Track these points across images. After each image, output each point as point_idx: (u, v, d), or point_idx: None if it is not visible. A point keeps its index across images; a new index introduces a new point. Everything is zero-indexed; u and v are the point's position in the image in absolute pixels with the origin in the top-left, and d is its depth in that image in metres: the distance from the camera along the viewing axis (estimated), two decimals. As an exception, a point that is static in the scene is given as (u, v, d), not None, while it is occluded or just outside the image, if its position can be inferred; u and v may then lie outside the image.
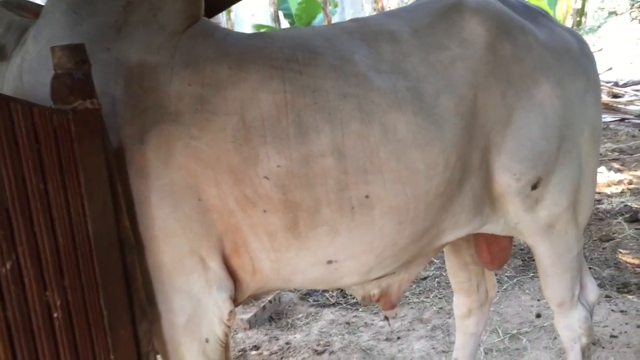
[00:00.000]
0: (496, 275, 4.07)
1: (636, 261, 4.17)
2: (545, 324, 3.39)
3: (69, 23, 1.69)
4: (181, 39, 1.73)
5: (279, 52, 1.76)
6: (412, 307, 3.89)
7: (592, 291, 2.34)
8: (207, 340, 1.79)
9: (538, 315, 3.49)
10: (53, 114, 1.34)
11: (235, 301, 1.87)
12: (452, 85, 1.84)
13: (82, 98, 1.41)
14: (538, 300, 3.69)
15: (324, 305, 4.08)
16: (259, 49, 1.77)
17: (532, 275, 4.06)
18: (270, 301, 4.01)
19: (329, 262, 1.84)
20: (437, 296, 4.01)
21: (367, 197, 1.75)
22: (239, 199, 1.70)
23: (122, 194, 1.58)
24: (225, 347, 1.90)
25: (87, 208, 1.44)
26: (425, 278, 4.35)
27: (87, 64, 1.45)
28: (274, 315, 3.97)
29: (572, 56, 2.09)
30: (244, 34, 1.93)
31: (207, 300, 1.76)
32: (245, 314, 3.82)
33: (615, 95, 11.26)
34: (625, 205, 5.20)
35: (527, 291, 3.85)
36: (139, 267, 1.66)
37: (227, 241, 1.77)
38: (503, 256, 2.41)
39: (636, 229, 4.69)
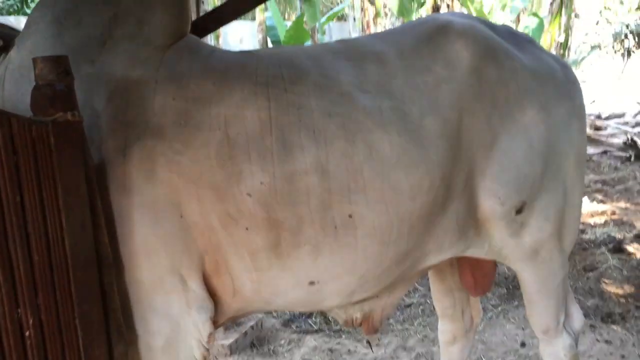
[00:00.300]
0: (481, 303, 4.05)
1: (620, 291, 4.16)
2: (530, 353, 3.35)
3: (53, 34, 1.67)
4: (166, 54, 1.71)
5: (264, 69, 1.75)
6: (395, 335, 3.84)
7: (577, 319, 2.32)
8: (185, 363, 1.74)
9: (523, 344, 3.46)
10: (32, 124, 1.31)
11: (215, 323, 1.82)
12: (437, 108, 1.85)
13: (63, 110, 1.38)
14: (523, 329, 3.66)
15: (306, 332, 4.00)
16: (245, 66, 1.76)
17: (517, 304, 4.03)
18: (252, 327, 3.94)
19: (311, 283, 1.80)
20: (421, 324, 3.96)
21: (350, 216, 1.73)
22: (221, 217, 1.67)
23: (102, 209, 1.54)
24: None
25: (64, 223, 1.40)
26: (409, 305, 4.30)
27: (70, 75, 1.42)
28: (256, 341, 3.89)
29: (556, 82, 2.10)
30: (230, 51, 1.92)
31: (186, 321, 1.71)
32: (226, 339, 3.74)
33: (598, 128, 11.41)
34: (609, 236, 5.21)
35: (512, 320, 3.82)
36: (116, 285, 1.62)
37: (208, 260, 1.73)
38: (486, 282, 2.39)
39: (620, 258, 4.70)
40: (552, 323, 2.21)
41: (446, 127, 1.84)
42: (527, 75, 2.02)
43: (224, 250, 1.72)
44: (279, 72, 1.75)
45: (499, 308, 4.01)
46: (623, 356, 3.20)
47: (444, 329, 2.61)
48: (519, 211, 2.01)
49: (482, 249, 2.08)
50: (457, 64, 1.90)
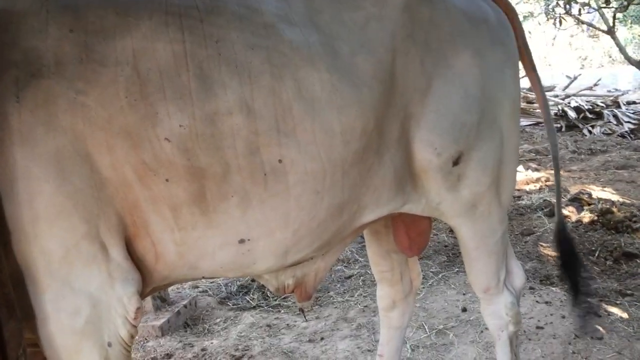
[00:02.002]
0: (421, 271, 3.98)
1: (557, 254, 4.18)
2: (471, 318, 3.30)
3: None
4: None
5: None
6: (336, 307, 3.72)
7: (518, 276, 2.24)
8: (109, 345, 1.51)
9: (464, 310, 3.40)
10: None
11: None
12: (368, 46, 1.70)
13: None
14: (464, 294, 3.61)
15: (243, 309, 3.84)
16: None
17: (457, 270, 3.98)
18: (185, 306, 3.74)
19: (241, 241, 1.62)
20: (362, 294, 3.86)
21: (280, 161, 1.57)
22: (137, 167, 1.46)
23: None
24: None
25: None
26: (349, 277, 4.20)
27: None
28: (190, 320, 3.70)
29: (490, 26, 1.99)
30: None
31: (109, 297, 1.49)
32: (157, 320, 3.53)
33: (530, 101, 11.64)
34: (545, 200, 5.26)
35: (452, 286, 3.76)
36: (5, 255, 1.39)
37: (128, 222, 1.52)
38: (422, 240, 2.27)
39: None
40: (493, 281, 2.12)
41: (379, 68, 1.70)
42: (460, 17, 1.89)
43: (143, 208, 1.51)
44: (192, 1, 1.55)
45: (440, 275, 3.96)
46: (563, 316, 3.18)
47: (383, 293, 2.49)
48: (456, 162, 1.90)
49: (419, 205, 1.96)
50: (388, 0, 1.75)
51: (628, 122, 10.03)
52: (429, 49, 1.81)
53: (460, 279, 3.83)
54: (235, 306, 3.90)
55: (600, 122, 10.22)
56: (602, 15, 7.01)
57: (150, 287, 1.68)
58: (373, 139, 1.72)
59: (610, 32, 7.19)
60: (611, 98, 11.01)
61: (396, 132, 1.79)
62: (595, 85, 12.62)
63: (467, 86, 1.87)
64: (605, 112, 10.37)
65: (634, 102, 11.40)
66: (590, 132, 9.95)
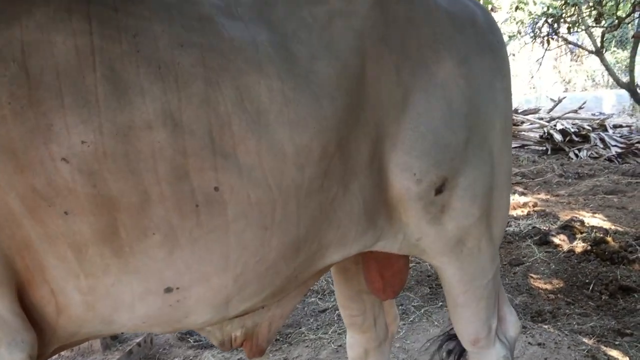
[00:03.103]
0: (401, 305, 3.63)
1: (548, 286, 3.86)
2: (456, 362, 2.94)
3: None
4: None
5: None
6: (307, 346, 3.36)
7: (512, 324, 1.90)
8: None
9: (449, 352, 3.05)
10: None
11: (38, 359, 1.27)
12: (332, 48, 1.37)
13: None
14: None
15: (205, 347, 3.46)
16: None
17: (442, 305, 3.64)
18: (139, 344, 3.35)
19: (168, 289, 1.28)
20: (336, 331, 3.50)
21: (216, 189, 1.23)
22: (26, 197, 1.11)
23: None
24: None
25: None
26: (324, 310, 3.84)
27: None
28: (143, 361, 3.32)
29: (478, 30, 1.67)
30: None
31: None
32: (105, 361, 3.15)
33: (515, 124, 11.44)
34: (534, 227, 4.96)
35: (436, 323, 3.41)
36: None
37: (18, 267, 1.18)
38: (398, 282, 1.94)
39: (546, 251, 4.43)
40: (483, 331, 1.78)
41: (345, 76, 1.38)
42: (443, 18, 1.58)
43: (36, 248, 1.16)
44: None
45: (422, 310, 3.60)
46: (558, 361, 2.85)
47: (353, 341, 2.15)
48: (439, 190, 1.57)
49: (394, 242, 1.63)
50: None
51: (615, 145, 9.83)
52: (406, 54, 1.50)
53: (444, 315, 3.49)
54: (196, 343, 3.52)
55: (586, 146, 10.02)
56: (590, 35, 6.79)
57: (53, 346, 1.33)
58: (336, 164, 1.40)
59: (599, 52, 6.99)
60: (597, 121, 10.85)
61: (366, 155, 1.47)
62: (580, 108, 12.48)
63: (452, 100, 1.56)
64: (592, 135, 10.18)
65: (620, 126, 11.25)
66: (576, 155, 9.74)
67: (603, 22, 6.13)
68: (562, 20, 6.18)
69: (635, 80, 6.78)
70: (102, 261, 1.21)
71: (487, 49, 1.69)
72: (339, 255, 1.54)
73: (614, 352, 2.93)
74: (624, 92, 17.18)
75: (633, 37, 6.15)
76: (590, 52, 6.77)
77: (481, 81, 1.65)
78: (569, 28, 6.34)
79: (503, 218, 1.81)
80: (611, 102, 16.56)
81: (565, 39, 7.77)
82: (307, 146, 1.32)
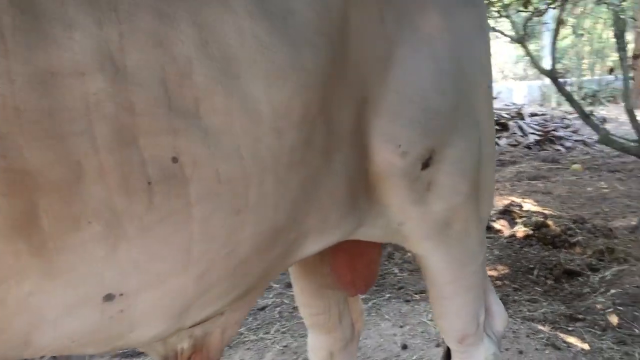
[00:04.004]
0: (349, 299, 3.41)
1: (494, 273, 3.76)
2: (414, 358, 2.75)
3: None
4: None
5: None
6: (249, 348, 3.06)
7: (500, 316, 1.71)
8: None
9: (404, 347, 2.85)
10: None
11: None
12: None
13: None
14: (401, 327, 3.06)
15: (132, 355, 3.09)
16: None
17: (389, 297, 3.45)
18: (55, 357, 2.93)
19: (109, 297, 0.96)
20: (279, 330, 3.23)
21: (175, 160, 0.93)
22: None
23: None
24: None
25: None
26: (263, 308, 3.56)
27: None
28: (61, 375, 2.90)
29: None
30: None
31: None
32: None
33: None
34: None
35: (386, 316, 3.21)
36: None
37: None
38: (370, 274, 1.71)
39: (487, 237, 4.34)
40: (471, 326, 1.57)
41: (328, 20, 1.11)
42: None
43: None
44: None
45: (370, 303, 3.39)
46: (521, 352, 2.71)
47: (316, 344, 1.88)
48: (425, 164, 1.35)
49: (375, 227, 1.40)
50: None
51: (533, 133, 10.11)
52: (390, 0, 1.26)
53: (394, 308, 3.30)
54: (122, 352, 3.14)
55: (506, 134, 10.24)
56: (513, 23, 6.82)
57: None
58: (318, 130, 1.13)
59: (522, 40, 7.04)
60: (515, 110, 11.13)
61: (350, 121, 1.22)
62: (495, 98, 12.77)
63: (439, 57, 1.33)
64: (511, 123, 10.41)
65: (536, 114, 11.60)
66: (497, 143, 9.92)
67: (531, 7, 6.19)
68: (490, 4, 6.17)
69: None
70: (15, 262, 0.88)
71: (470, 2, 1.49)
72: (318, 245, 1.28)
73: (571, 339, 2.83)
74: (534, 83, 17.91)
75: (557, 23, 6.22)
76: (513, 40, 6.77)
77: (466, 38, 1.44)
78: (498, 11, 6.31)
79: (490, 195, 1.61)
80: (522, 93, 17.16)
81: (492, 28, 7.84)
82: (286, 105, 1.04)
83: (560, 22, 6.35)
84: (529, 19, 6.63)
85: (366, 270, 1.67)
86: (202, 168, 0.96)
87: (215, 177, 0.97)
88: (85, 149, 0.85)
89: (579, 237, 4.07)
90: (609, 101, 16.34)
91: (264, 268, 1.15)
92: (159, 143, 0.92)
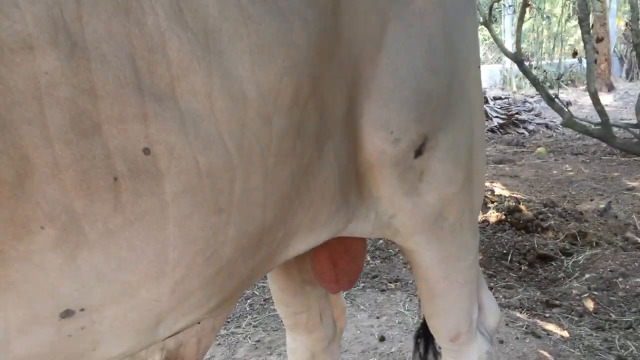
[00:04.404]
0: (323, 290, 3.30)
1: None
2: (392, 350, 2.65)
3: None
4: None
5: None
6: (219, 343, 2.93)
7: (492, 312, 1.62)
8: None
9: (382, 339, 2.76)
10: None
11: None
12: None
13: None
14: (377, 317, 2.97)
15: None
16: None
17: (364, 286, 3.36)
18: None
19: (67, 313, 0.82)
20: (251, 324, 3.10)
21: (147, 152, 0.79)
22: None
23: None
24: None
25: None
26: (233, 301, 3.41)
27: None
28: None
29: None
30: None
31: None
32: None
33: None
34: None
35: (362, 307, 3.11)
36: None
37: None
38: (354, 270, 1.60)
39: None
40: (464, 324, 1.47)
41: None
42: None
43: None
44: None
45: (344, 293, 3.29)
46: (501, 341, 2.65)
47: (297, 345, 1.76)
48: (418, 152, 1.24)
49: (366, 222, 1.29)
50: None
51: (497, 117, 10.15)
52: None
53: (369, 298, 3.20)
54: None
55: (470, 117, 10.27)
56: (478, 6, 6.78)
57: None
58: (310, 116, 1.01)
59: (487, 23, 7.01)
60: (479, 94, 11.17)
61: (341, 105, 1.10)
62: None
63: (432, 34, 1.21)
64: (475, 107, 10.44)
65: (500, 98, 11.66)
66: (462, 127, 9.94)
67: (498, -11, 6.14)
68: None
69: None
70: None
71: None
72: (305, 244, 1.16)
73: (550, 326, 2.79)
74: (495, 67, 18.05)
75: (523, 6, 6.20)
76: (479, 23, 6.74)
77: (457, 13, 1.32)
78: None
79: (482, 182, 1.51)
80: (483, 77, 17.30)
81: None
82: (274, 87, 0.90)
83: (525, 5, 6.33)
84: (495, 0, 6.60)
85: (350, 265, 1.56)
86: (179, 160, 0.82)
87: (195, 170, 0.83)
88: (34, 141, 0.70)
89: (551, 222, 4.04)
90: (567, 85, 16.62)
91: (248, 271, 1.02)
92: (127, 131, 0.77)
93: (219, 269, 0.94)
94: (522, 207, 4.15)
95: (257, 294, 3.44)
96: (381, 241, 4.10)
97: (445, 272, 1.40)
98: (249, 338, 2.92)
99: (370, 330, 2.84)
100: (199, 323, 1.14)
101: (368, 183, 1.23)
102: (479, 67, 1.48)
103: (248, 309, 3.28)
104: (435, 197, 1.30)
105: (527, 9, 6.44)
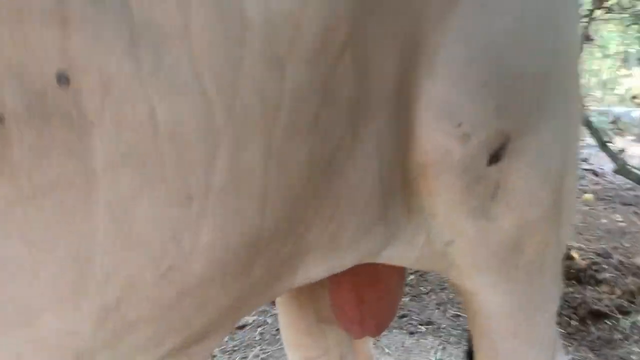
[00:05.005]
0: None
1: None
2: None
3: None
4: None
5: None
6: (221, 375, 2.58)
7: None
8: None
9: (409, 392, 2.36)
10: None
11: None
12: None
13: None
14: (404, 365, 2.58)
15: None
16: None
17: (390, 326, 2.96)
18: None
19: None
20: (259, 356, 2.74)
21: (61, 78, 0.46)
22: None
23: None
24: None
25: None
26: (242, 327, 3.07)
27: None
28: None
29: None
30: None
31: None
32: None
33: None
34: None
35: (387, 350, 2.72)
36: None
37: None
38: (385, 309, 1.24)
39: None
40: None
41: None
42: None
43: None
44: None
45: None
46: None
47: (306, 396, 1.40)
48: (495, 157, 0.91)
49: (411, 248, 0.95)
50: None
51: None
52: None
53: (395, 340, 2.81)
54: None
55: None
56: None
57: None
58: (345, 76, 0.67)
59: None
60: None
61: (392, 73, 0.77)
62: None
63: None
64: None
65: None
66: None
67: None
68: None
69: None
70: None
71: None
72: (322, 269, 0.81)
73: (608, 397, 2.35)
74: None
75: (584, 37, 5.79)
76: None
77: None
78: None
79: (571, 212, 1.14)
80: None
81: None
82: (293, 13, 0.57)
83: (587, 37, 5.92)
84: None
85: (380, 303, 1.20)
86: (121, 102, 0.48)
87: (148, 124, 0.50)
88: None
89: (606, 274, 3.60)
90: (615, 133, 16.00)
91: (230, 301, 0.68)
92: (29, 40, 0.44)
93: (181, 292, 0.59)
94: (574, 254, 3.72)
95: (270, 322, 3.09)
96: (412, 276, 3.71)
97: (515, 327, 1.03)
98: (255, 371, 2.56)
99: (395, 380, 2.45)
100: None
101: (419, 194, 0.89)
102: (578, 58, 1.12)
103: (258, 338, 2.93)
104: (511, 223, 0.95)
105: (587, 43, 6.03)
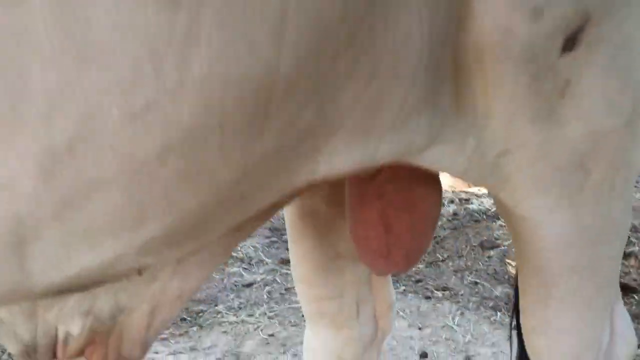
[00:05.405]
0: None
1: None
2: (436, 371, 2.11)
3: None
4: None
5: None
6: (225, 331, 2.45)
7: (627, 340, 1.04)
8: None
9: (424, 355, 2.21)
10: None
11: None
12: None
13: None
14: (419, 329, 2.42)
15: None
16: None
17: (405, 289, 2.83)
18: None
19: None
20: (265, 314, 2.60)
21: None
22: None
23: None
24: None
25: None
26: (249, 285, 2.92)
27: None
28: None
29: None
30: None
31: None
32: None
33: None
34: (502, 206, 4.24)
35: (401, 314, 2.57)
36: None
37: None
38: (417, 239, 1.04)
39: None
40: (588, 351, 0.92)
41: None
42: None
43: None
44: None
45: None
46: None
47: (317, 344, 1.24)
48: (571, 42, 0.72)
49: (460, 151, 0.78)
50: None
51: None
52: None
53: (410, 304, 2.66)
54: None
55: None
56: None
57: None
58: None
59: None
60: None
61: None
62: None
63: None
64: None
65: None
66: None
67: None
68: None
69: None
70: None
71: None
72: (350, 158, 0.64)
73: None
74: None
75: None
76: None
77: None
78: None
79: None
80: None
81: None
82: None
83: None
84: None
85: (412, 232, 1.02)
86: None
87: None
88: None
89: (635, 248, 3.43)
90: None
91: (237, 172, 0.51)
92: None
93: (163, 147, 0.42)
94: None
95: (279, 281, 2.94)
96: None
97: (574, 260, 0.86)
98: (261, 330, 2.43)
99: (409, 343, 2.30)
100: (139, 273, 0.62)
101: (472, 85, 0.72)
102: None
103: (265, 297, 2.79)
104: (580, 131, 0.77)
105: None
